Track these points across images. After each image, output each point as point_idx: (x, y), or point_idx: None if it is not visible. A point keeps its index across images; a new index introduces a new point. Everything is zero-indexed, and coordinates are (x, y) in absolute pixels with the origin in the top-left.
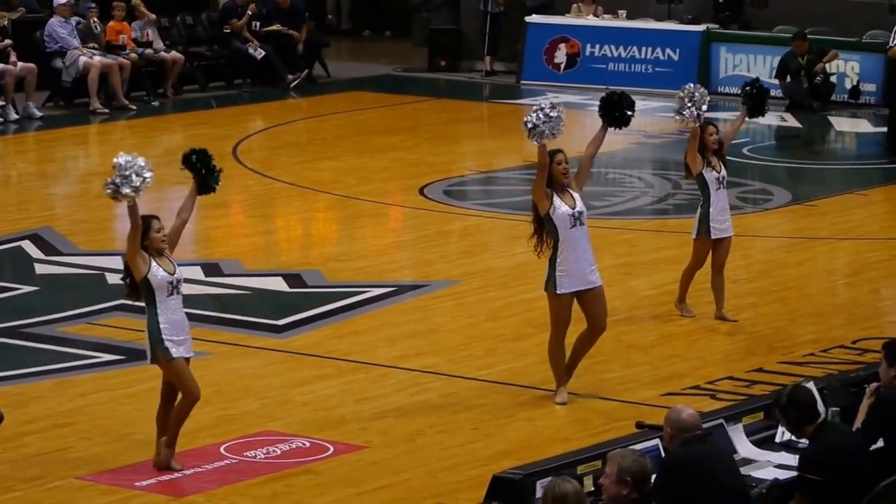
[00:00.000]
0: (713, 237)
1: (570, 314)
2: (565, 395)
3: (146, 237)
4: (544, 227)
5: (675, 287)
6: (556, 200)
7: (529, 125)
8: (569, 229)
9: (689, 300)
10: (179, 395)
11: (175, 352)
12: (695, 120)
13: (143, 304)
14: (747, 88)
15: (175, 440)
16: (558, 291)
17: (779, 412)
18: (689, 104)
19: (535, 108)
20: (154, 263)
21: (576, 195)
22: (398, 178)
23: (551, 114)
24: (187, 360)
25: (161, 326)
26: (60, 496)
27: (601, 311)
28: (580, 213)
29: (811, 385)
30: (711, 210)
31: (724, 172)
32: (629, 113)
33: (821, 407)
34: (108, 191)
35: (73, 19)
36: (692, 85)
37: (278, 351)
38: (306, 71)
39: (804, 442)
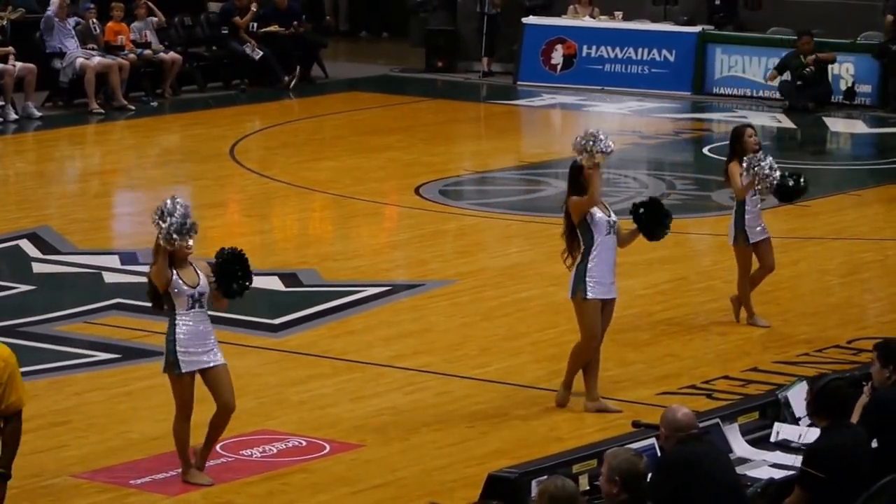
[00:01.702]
0: (752, 241)
1: (599, 321)
2: (566, 396)
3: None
4: (576, 236)
5: (670, 287)
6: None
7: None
8: (605, 236)
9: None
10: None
11: (186, 366)
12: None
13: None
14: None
15: (186, 455)
16: (589, 296)
17: (809, 392)
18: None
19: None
20: (176, 276)
21: (606, 204)
22: (394, 177)
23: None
24: (214, 368)
25: (178, 337)
26: (56, 494)
27: (606, 324)
28: (615, 221)
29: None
30: (747, 216)
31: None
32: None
33: (846, 410)
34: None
35: (72, 20)
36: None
37: (274, 350)
38: (298, 68)
39: (798, 442)
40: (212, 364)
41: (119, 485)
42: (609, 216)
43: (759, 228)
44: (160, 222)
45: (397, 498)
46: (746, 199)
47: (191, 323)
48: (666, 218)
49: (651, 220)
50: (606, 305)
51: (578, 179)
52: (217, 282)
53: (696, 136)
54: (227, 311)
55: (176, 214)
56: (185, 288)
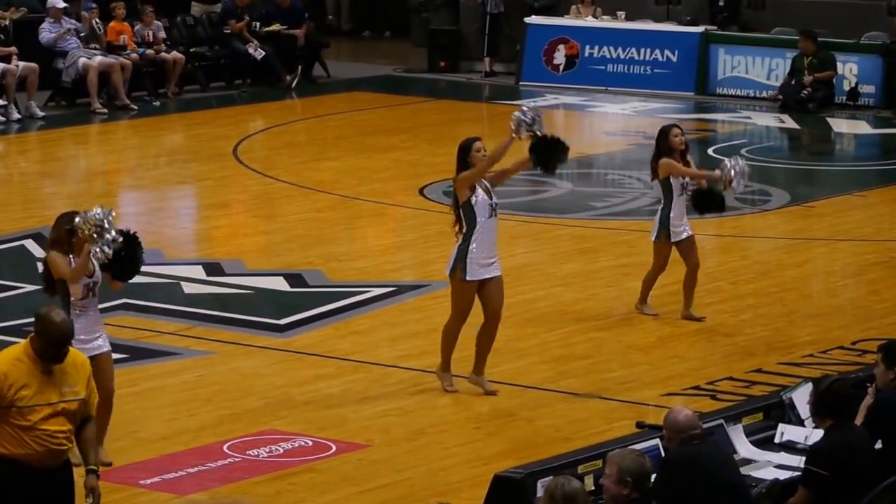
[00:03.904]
0: (673, 241)
1: (472, 301)
2: (449, 379)
3: (75, 235)
4: (460, 216)
5: (674, 288)
6: (478, 189)
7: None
8: (486, 219)
9: (695, 301)
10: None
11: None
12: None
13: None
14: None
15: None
16: (468, 278)
17: (812, 393)
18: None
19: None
20: (73, 265)
21: (489, 187)
22: (398, 178)
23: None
24: (100, 356)
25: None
26: None
27: (499, 299)
28: (496, 203)
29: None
30: (672, 214)
31: (688, 178)
32: (560, 161)
33: (849, 410)
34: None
35: (66, 18)
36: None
37: (280, 350)
38: (299, 68)
39: (804, 444)
40: (97, 352)
41: (128, 485)
42: (491, 199)
43: (681, 228)
44: (101, 233)
45: (404, 498)
46: (675, 197)
47: (85, 312)
48: (562, 151)
49: (547, 153)
50: (491, 283)
51: (465, 159)
52: (111, 265)
53: (699, 137)
54: (233, 311)
55: (110, 234)
56: (83, 278)
